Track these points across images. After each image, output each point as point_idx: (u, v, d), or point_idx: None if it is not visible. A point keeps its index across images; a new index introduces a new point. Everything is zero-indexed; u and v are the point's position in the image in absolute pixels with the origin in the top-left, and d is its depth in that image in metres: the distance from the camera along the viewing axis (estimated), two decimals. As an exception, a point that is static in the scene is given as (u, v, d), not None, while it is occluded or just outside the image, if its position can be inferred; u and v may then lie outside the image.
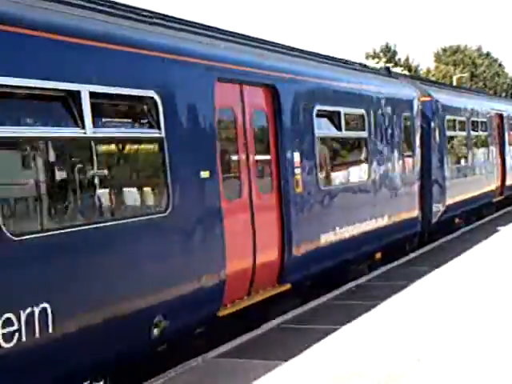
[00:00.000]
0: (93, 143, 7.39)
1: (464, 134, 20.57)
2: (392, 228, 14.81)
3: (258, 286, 10.27)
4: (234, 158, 9.96)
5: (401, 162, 15.50)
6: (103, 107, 7.61)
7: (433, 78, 70.18)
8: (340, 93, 13.12)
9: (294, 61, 12.42)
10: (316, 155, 11.82)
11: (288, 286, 10.90)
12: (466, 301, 10.70)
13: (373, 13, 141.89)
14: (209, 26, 10.78)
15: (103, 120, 7.57)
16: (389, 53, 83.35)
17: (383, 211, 14.40)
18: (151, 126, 8.22)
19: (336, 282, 12.89)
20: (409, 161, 15.94)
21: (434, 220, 17.67)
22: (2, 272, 6.16)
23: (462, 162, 20.35)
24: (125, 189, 8.17)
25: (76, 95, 7.08)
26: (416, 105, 16.67)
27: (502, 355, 7.76)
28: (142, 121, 8.23)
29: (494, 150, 23.06)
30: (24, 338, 6.26)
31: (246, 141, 10.14)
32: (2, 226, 6.16)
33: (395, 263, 15.04)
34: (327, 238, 11.98)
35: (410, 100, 16.49)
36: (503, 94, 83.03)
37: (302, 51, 13.36)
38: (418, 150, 16.50)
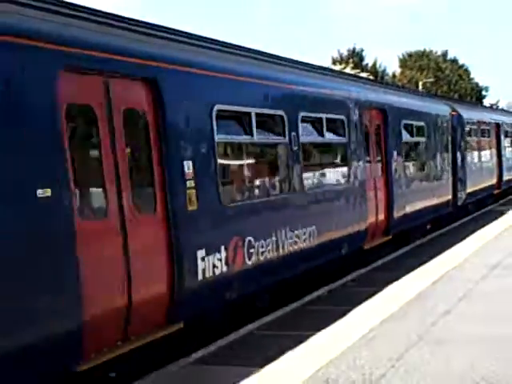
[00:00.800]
0: (329, 146, 15.14)
1: (476, 139, 28.20)
2: (438, 206, 22.04)
3: (376, 235, 17.18)
4: (368, 154, 17.09)
5: (442, 160, 22.72)
6: (331, 125, 14.75)
7: (399, 83, 76.49)
8: (413, 111, 20.49)
9: (390, 92, 20.19)
10: (403, 153, 18.94)
11: (390, 237, 17.90)
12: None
13: (338, 16, 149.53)
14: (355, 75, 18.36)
15: (329, 131, 14.66)
16: (355, 57, 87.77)
17: (434, 194, 21.56)
18: (341, 135, 15.25)
19: (408, 240, 19.93)
20: (446, 159, 23.23)
21: (459, 204, 24.94)
22: (303, 208, 13.22)
23: (475, 161, 27.69)
24: (335, 169, 15.40)
25: (322, 120, 14.18)
26: (448, 118, 24.06)
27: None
28: (339, 132, 15.21)
29: (494, 152, 30.66)
30: (309, 242, 13.24)
31: (372, 142, 17.29)
32: (305, 185, 13.18)
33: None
34: (408, 209, 19.02)
35: (445, 115, 23.82)
36: (468, 98, 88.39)
37: (391, 84, 21.10)
38: (450, 152, 23.79)
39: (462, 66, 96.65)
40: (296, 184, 12.96)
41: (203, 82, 10.49)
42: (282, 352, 8.16)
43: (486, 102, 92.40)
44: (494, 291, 10.44)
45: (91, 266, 7.78)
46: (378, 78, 76.96)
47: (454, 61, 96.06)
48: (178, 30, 11.27)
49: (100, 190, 8.44)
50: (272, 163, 13.00)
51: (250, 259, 11.16)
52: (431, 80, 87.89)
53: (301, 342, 8.52)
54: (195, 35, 11.66)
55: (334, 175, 15.46)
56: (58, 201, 7.44)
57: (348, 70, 62.69)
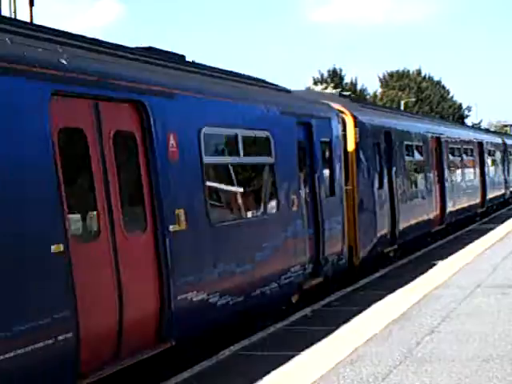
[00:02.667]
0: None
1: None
2: (499, 196, 38.63)
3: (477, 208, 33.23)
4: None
5: (500, 169, 39.95)
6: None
7: (380, 103, 76.86)
8: (495, 143, 39.53)
9: (485, 134, 42.31)
10: (493, 163, 38.37)
11: (484, 208, 34.16)
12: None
13: (318, 37, 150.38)
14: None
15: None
16: (336, 77, 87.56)
17: (497, 189, 37.79)
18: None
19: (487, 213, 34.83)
20: (500, 169, 40.11)
21: (507, 197, 41.60)
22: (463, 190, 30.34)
23: (510, 171, 43.84)
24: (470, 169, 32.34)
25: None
26: (501, 144, 41.33)
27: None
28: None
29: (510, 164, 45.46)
30: (464, 205, 30.47)
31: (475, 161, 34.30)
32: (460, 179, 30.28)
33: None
34: (490, 195, 35.37)
35: (500, 143, 41.25)
36: (450, 118, 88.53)
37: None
38: (501, 165, 40.41)
39: (439, 82, 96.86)
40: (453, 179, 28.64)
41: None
42: (265, 373, 8.13)
43: (469, 122, 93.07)
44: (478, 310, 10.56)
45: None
46: (357, 96, 76.99)
47: (430, 78, 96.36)
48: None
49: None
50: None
51: (453, 207, 27.03)
52: (413, 100, 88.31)
53: (285, 362, 8.53)
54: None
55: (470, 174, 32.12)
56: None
57: (329, 90, 62.96)
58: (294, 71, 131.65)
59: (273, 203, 12.68)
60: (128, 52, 10.34)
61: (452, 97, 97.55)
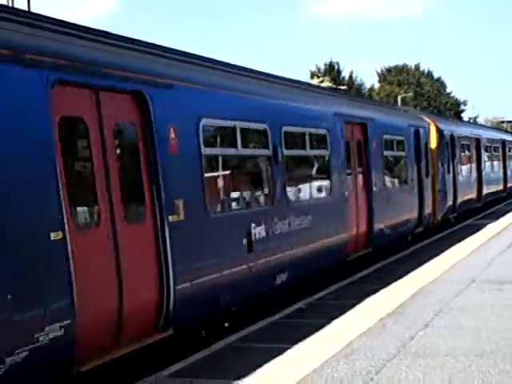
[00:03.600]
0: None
1: None
2: None
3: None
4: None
5: None
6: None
7: (377, 98, 76.90)
8: None
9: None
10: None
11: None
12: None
13: (318, 30, 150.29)
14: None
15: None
16: (332, 71, 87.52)
17: None
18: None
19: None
20: None
21: None
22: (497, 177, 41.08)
23: None
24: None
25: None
26: None
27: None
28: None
29: None
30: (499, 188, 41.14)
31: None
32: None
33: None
34: (511, 183, 44.53)
35: None
36: (446, 112, 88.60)
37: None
38: None
39: (439, 79, 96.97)
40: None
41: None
42: (259, 365, 8.18)
43: (465, 116, 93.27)
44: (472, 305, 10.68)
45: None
46: (355, 91, 76.91)
47: (429, 73, 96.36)
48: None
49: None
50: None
51: (486, 190, 35.38)
52: (410, 95, 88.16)
53: (279, 355, 8.57)
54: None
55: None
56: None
57: (326, 84, 62.83)
58: (293, 64, 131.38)
59: (404, 179, 22.21)
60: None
61: (451, 92, 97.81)
